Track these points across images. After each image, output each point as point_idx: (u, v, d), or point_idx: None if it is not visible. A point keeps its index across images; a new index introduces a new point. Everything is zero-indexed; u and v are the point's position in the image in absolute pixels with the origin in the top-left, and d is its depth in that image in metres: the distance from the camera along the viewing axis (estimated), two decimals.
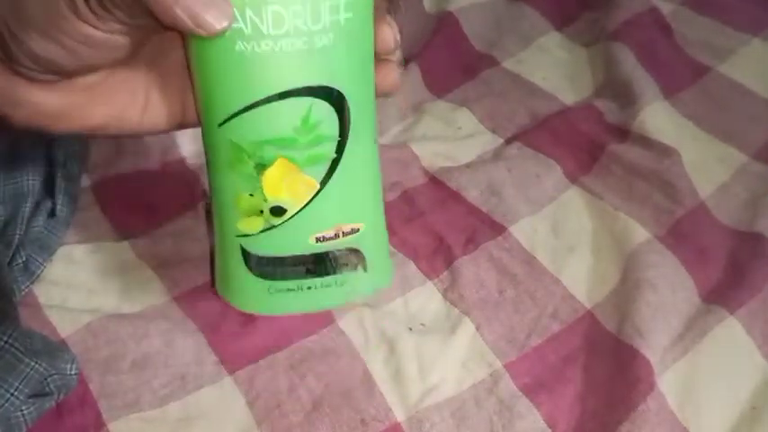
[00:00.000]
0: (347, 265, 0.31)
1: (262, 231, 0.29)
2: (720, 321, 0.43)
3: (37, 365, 0.35)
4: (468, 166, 0.53)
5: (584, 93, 0.61)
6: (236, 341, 0.41)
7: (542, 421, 0.40)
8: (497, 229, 0.48)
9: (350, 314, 0.42)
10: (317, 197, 0.28)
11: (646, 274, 0.45)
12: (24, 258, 0.42)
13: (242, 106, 0.26)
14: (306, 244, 0.29)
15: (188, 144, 0.52)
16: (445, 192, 0.51)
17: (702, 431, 0.39)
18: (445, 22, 0.65)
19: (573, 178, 0.53)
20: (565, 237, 0.49)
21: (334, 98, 0.27)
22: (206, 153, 0.30)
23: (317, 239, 0.29)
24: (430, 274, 0.46)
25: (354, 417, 0.39)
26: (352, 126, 0.28)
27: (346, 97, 0.27)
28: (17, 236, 0.42)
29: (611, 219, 0.49)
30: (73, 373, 0.37)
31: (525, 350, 0.42)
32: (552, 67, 0.63)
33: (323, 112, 0.27)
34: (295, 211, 0.28)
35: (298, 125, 0.27)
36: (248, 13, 0.25)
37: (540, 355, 0.42)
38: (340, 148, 0.28)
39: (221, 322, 0.42)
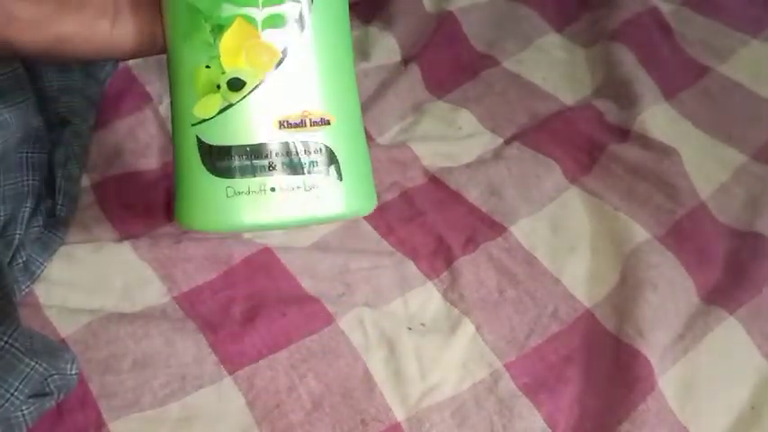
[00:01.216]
0: (316, 162, 0.27)
1: (219, 113, 0.26)
2: (720, 321, 0.44)
3: (37, 365, 0.35)
4: (468, 166, 0.53)
5: (583, 93, 0.61)
6: (236, 341, 0.41)
7: (542, 421, 0.40)
8: (497, 229, 0.48)
9: (350, 314, 0.42)
10: (279, 69, 0.26)
11: (646, 274, 0.45)
12: (25, 258, 0.42)
13: None
14: (268, 129, 0.26)
15: None
16: (445, 192, 0.51)
17: (702, 431, 0.39)
18: (445, 23, 0.65)
19: (573, 178, 0.53)
20: (565, 237, 0.49)
21: None
22: (167, 39, 0.28)
23: (281, 124, 0.26)
24: (430, 274, 0.46)
25: (354, 417, 0.39)
26: None
27: None
28: (17, 235, 0.42)
29: (610, 219, 0.49)
30: (73, 372, 0.37)
31: (525, 350, 0.43)
32: (552, 67, 0.63)
33: None
34: (255, 84, 0.26)
35: None
36: None
37: (539, 355, 0.42)
38: (305, 14, 0.26)
39: (221, 322, 0.42)
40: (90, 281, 0.43)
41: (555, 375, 0.42)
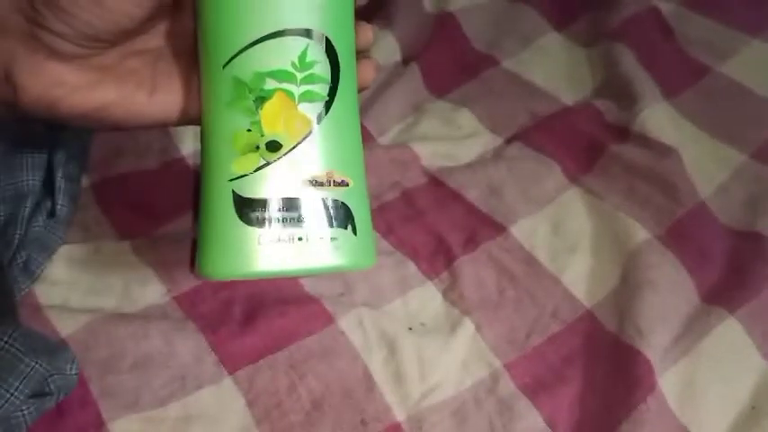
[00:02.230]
0: (339, 218, 0.31)
1: (256, 170, 0.30)
2: (720, 321, 0.44)
3: (37, 365, 0.35)
4: (468, 166, 0.53)
5: (584, 93, 0.61)
6: (236, 341, 0.41)
7: (542, 421, 0.40)
8: (497, 229, 0.48)
9: (350, 314, 0.42)
10: (311, 135, 0.30)
11: (646, 274, 0.45)
12: (24, 258, 0.42)
13: (248, 41, 0.30)
14: (298, 186, 0.30)
15: (188, 144, 0.52)
16: (445, 192, 0.51)
17: (703, 431, 0.39)
18: (445, 23, 0.65)
19: (573, 178, 0.53)
20: (565, 237, 0.49)
21: (327, 45, 0.31)
22: (206, 106, 0.32)
23: (310, 182, 0.30)
24: (430, 274, 0.46)
25: (354, 417, 0.39)
26: (341, 78, 0.31)
27: (336, 49, 0.31)
28: (17, 236, 0.42)
29: (611, 219, 0.49)
30: (73, 373, 0.37)
31: (525, 350, 0.43)
32: (552, 67, 0.63)
33: (317, 54, 0.30)
34: (290, 147, 0.30)
35: (295, 61, 0.30)
36: None
37: (539, 355, 0.42)
38: (332, 93, 0.31)
39: (221, 322, 0.42)
40: (90, 281, 0.43)
41: (555, 375, 0.42)
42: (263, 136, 0.30)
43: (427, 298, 0.45)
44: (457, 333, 0.43)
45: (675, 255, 0.47)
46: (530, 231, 0.49)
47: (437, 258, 0.47)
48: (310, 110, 0.30)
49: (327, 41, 0.31)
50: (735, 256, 0.48)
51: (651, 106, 0.57)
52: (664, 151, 0.53)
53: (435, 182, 0.52)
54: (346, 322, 0.42)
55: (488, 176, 0.52)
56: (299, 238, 0.30)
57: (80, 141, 0.48)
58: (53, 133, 0.48)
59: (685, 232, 0.49)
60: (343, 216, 0.31)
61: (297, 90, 0.30)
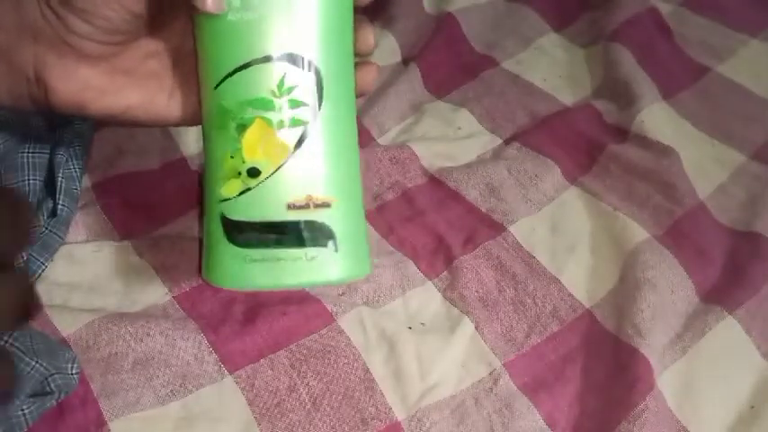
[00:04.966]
0: (316, 239, 0.31)
1: (240, 194, 0.31)
2: (719, 321, 0.44)
3: (38, 365, 0.36)
4: (467, 166, 0.53)
5: (583, 93, 0.61)
6: (237, 340, 0.41)
7: (542, 420, 0.40)
8: (497, 228, 0.49)
9: (350, 313, 0.42)
10: (290, 161, 0.31)
11: (645, 274, 0.45)
12: (25, 258, 0.42)
13: (231, 69, 0.30)
14: (278, 210, 0.31)
15: (188, 144, 0.53)
16: (445, 191, 0.51)
17: (701, 430, 0.40)
18: (445, 23, 0.65)
19: (572, 178, 0.53)
20: (564, 236, 0.49)
21: (308, 68, 0.30)
22: (203, 125, 0.33)
23: (289, 206, 0.31)
24: (429, 273, 0.46)
25: (354, 416, 0.39)
26: (325, 98, 0.31)
27: (320, 70, 0.31)
28: None
29: (610, 219, 0.50)
30: (73, 372, 0.37)
31: (524, 349, 0.43)
32: (551, 67, 0.64)
33: (297, 78, 0.30)
34: (269, 173, 0.31)
35: (274, 88, 0.30)
36: None
37: (539, 355, 0.43)
38: (313, 116, 0.31)
39: (222, 322, 0.42)
40: (91, 281, 0.44)
41: (554, 375, 0.42)
42: (244, 162, 0.31)
43: (427, 297, 0.45)
44: (456, 332, 0.43)
45: (674, 254, 0.47)
46: (529, 231, 0.49)
47: (437, 258, 0.47)
48: (290, 135, 0.30)
49: (310, 64, 0.30)
50: (733, 255, 0.48)
51: (650, 106, 0.57)
52: (663, 151, 0.53)
53: (435, 182, 0.52)
54: (346, 321, 0.42)
55: (488, 176, 0.52)
56: (279, 259, 0.31)
57: (81, 141, 0.48)
58: (54, 133, 0.48)
59: (684, 232, 0.49)
60: (322, 236, 0.32)
61: (275, 117, 0.30)
